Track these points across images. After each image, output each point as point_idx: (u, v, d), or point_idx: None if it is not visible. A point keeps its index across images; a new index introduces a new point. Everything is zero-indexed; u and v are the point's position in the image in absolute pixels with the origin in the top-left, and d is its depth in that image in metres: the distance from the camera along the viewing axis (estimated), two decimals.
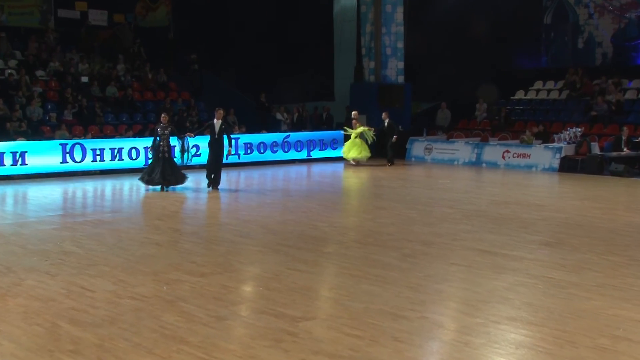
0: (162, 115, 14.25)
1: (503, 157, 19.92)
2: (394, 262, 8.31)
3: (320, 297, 7.08)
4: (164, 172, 13.83)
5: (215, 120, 13.98)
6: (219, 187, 14.17)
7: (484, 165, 20.10)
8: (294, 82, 25.71)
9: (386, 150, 19.73)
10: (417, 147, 21.65)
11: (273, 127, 22.28)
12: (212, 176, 14.11)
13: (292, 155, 20.75)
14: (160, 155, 13.86)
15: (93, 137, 18.41)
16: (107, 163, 17.58)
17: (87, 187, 15.41)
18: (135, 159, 17.84)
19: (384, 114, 19.60)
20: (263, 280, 7.55)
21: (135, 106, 21.31)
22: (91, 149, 17.36)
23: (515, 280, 7.59)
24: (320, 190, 15.69)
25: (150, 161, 14.59)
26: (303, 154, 20.87)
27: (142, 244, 9.28)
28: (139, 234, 9.99)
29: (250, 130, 21.35)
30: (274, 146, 20.28)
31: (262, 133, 21.00)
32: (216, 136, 13.92)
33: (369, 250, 8.93)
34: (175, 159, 14.15)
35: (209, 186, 14.22)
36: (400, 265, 8.20)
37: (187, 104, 22.08)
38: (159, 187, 13.95)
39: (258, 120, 22.97)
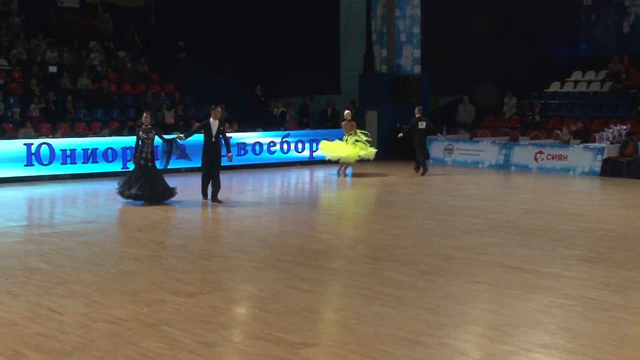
0: (144, 115, 13.59)
1: (535, 159, 19.93)
2: (409, 280, 8.32)
3: (324, 320, 7.09)
4: (147, 185, 13.23)
5: (211, 119, 13.35)
6: (218, 196, 13.53)
7: (513, 168, 20.12)
8: (294, 73, 25.78)
9: (419, 157, 18.45)
10: (436, 148, 21.71)
11: (270, 124, 22.34)
12: (210, 186, 13.49)
13: (292, 156, 20.80)
14: (143, 163, 13.31)
15: (63, 136, 18.49)
16: (79, 166, 17.65)
17: (56, 194, 15.45)
18: (111, 161, 17.92)
19: (417, 109, 18.66)
20: (259, 301, 7.56)
21: (112, 100, 21.41)
22: (60, 150, 17.43)
23: (550, 301, 7.58)
24: (324, 197, 15.69)
25: (128, 168, 14.26)
26: (305, 156, 20.92)
27: (119, 259, 9.30)
28: (116, 248, 10.02)
29: (244, 128, 21.40)
30: (271, 146, 20.34)
31: (258, 131, 21.04)
32: (213, 139, 13.26)
33: (380, 266, 8.94)
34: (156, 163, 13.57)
35: (205, 198, 13.64)
36: (416, 283, 8.21)
37: (171, 98, 22.18)
38: (141, 201, 13.35)
39: (253, 116, 23.04)
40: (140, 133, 13.38)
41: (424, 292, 7.85)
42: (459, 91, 24.99)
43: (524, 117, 22.86)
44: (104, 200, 14.45)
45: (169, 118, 20.93)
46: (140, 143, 13.34)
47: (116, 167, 17.96)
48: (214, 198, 13.51)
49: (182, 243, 10.36)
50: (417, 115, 18.39)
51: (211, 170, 13.42)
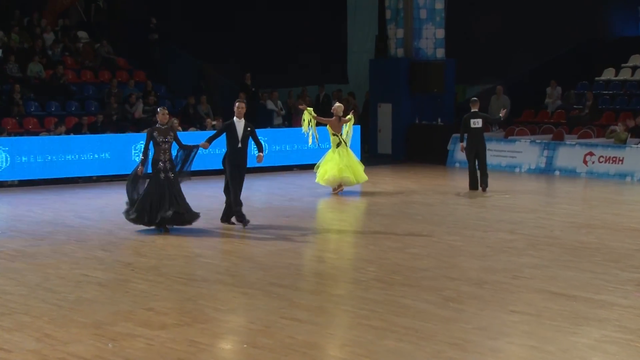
0: (160, 111, 12.37)
1: (585, 161, 19.94)
2: (431, 309, 8.32)
3: (327, 358, 7.09)
4: (166, 204, 11.97)
5: (235, 119, 12.70)
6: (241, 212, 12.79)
7: (557, 173, 20.12)
8: (292, 58, 25.81)
9: (477, 166, 16.79)
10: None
11: (262, 120, 22.38)
12: (233, 203, 12.65)
13: (288, 158, 20.82)
14: (163, 176, 12.11)
15: (9, 134, 18.52)
16: (29, 171, 17.71)
17: (1, 204, 15.44)
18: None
19: (472, 103, 17.03)
20: (248, 335, 7.56)
21: (69, 91, 21.46)
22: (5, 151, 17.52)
23: (603, 335, 7.58)
24: (327, 208, 15.70)
25: (132, 182, 12.38)
26: (300, 158, 20.95)
27: (78, 284, 9.30)
28: (74, 270, 10.02)
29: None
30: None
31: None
32: (239, 144, 12.63)
33: (395, 293, 8.95)
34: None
35: (227, 220, 12.82)
36: (439, 313, 8.21)
37: (141, 87, 22.23)
38: (154, 227, 12.20)
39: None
40: (155, 134, 12.11)
41: (449, 324, 7.85)
42: (491, 80, 25.02)
43: (571, 111, 22.87)
44: (59, 212, 14.47)
45: (139, 112, 20.98)
46: (152, 150, 12.08)
47: (75, 171, 17.97)
48: (240, 215, 12.67)
49: (154, 264, 10.36)
50: (472, 110, 16.85)
51: (234, 184, 12.62)
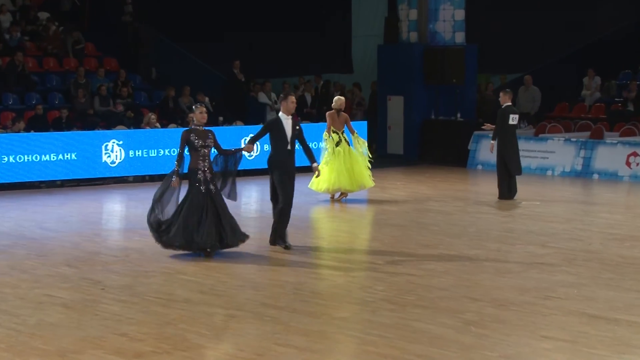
0: (196, 108, 11.78)
1: (628, 163, 19.91)
2: (450, 335, 8.29)
3: None
4: (208, 226, 11.37)
5: (281, 114, 12.20)
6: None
7: (596, 176, 20.10)
8: (287, 44, 25.79)
9: (512, 168, 16.69)
10: (487, 148, 21.54)
11: (254, 115, 22.37)
12: (278, 218, 12.24)
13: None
14: (204, 189, 11.48)
15: None
16: None
17: None
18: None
19: (505, 94, 16.62)
20: None
21: (30, 82, 21.46)
22: None
23: None
24: (329, 218, 15.65)
25: (163, 192, 11.67)
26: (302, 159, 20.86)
27: (39, 306, 9.28)
28: (35, 290, 9.99)
29: (215, 120, 21.39)
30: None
31: (237, 125, 21.04)
32: (288, 146, 12.11)
33: (408, 315, 8.93)
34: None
35: (274, 242, 12.28)
36: (459, 339, 8.19)
37: (113, 77, 22.23)
38: (196, 251, 11.60)
39: (229, 103, 23.05)
40: (193, 138, 11.53)
41: (470, 352, 7.82)
42: (519, 68, 24.98)
43: (612, 105, 22.85)
44: (18, 222, 14.45)
45: (111, 106, 20.98)
46: (187, 157, 11.59)
47: (35, 175, 17.96)
48: (283, 237, 12.24)
49: (129, 282, 10.33)
50: (503, 105, 16.55)
51: (285, 194, 12.10)
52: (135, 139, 19.01)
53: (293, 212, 12.31)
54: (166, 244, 11.57)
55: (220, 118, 21.58)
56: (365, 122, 21.37)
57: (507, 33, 24.82)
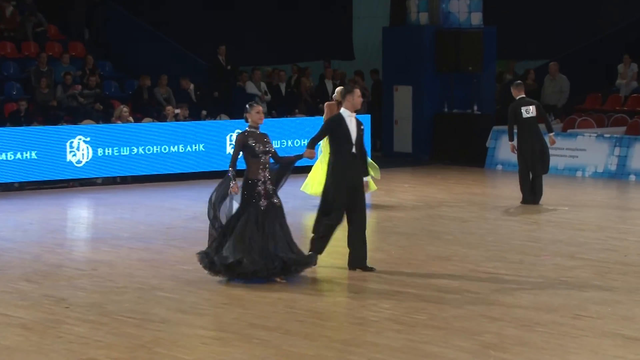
0: (251, 108, 11.29)
1: None
2: (466, 359, 8.29)
3: None
4: (271, 248, 10.94)
5: (343, 111, 11.74)
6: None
7: (632, 178, 20.09)
8: (278, 28, 25.76)
9: (534, 168, 16.68)
10: (508, 145, 21.48)
11: (241, 107, 22.29)
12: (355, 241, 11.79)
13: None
14: (264, 204, 11.02)
15: None
16: None
17: None
18: None
19: (516, 87, 16.80)
20: None
21: None
22: None
23: None
24: None
25: (222, 197, 11.25)
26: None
27: None
28: None
29: (200, 113, 21.36)
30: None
31: (222, 119, 20.97)
32: (353, 149, 11.70)
33: (419, 337, 8.88)
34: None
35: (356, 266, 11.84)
36: None
37: (79, 65, 22.17)
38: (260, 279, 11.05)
39: (213, 94, 23.00)
40: (252, 142, 11.12)
41: None
42: (544, 54, 24.95)
43: None
44: None
45: (78, 97, 20.91)
46: (244, 160, 11.15)
47: None
48: (363, 262, 11.81)
49: (97, 300, 10.27)
50: (517, 97, 16.72)
51: (355, 209, 11.71)
52: (104, 135, 18.96)
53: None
54: (221, 273, 10.96)
55: (204, 112, 21.54)
56: (369, 116, 21.32)
57: (531, 13, 24.79)
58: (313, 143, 11.79)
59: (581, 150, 20.87)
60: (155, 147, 19.23)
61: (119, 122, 19.66)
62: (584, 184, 19.91)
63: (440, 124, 23.26)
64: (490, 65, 23.36)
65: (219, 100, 22.56)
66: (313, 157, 12.02)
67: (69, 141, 18.59)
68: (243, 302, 10.16)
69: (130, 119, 19.95)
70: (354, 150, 11.58)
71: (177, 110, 20.56)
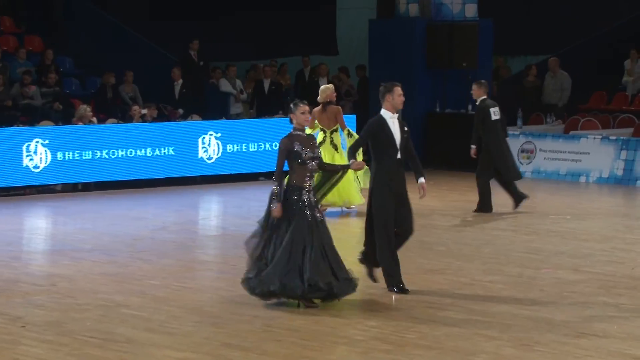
0: (297, 107, 10.90)
1: None
2: None
3: None
4: (314, 265, 10.54)
5: (384, 112, 11.46)
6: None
7: None
8: (256, 20, 25.73)
9: (506, 174, 16.85)
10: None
11: (214, 107, 22.32)
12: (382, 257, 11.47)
13: (252, 163, 20.82)
14: (309, 216, 10.72)
15: None
16: None
17: None
18: None
19: (478, 86, 16.98)
20: None
21: None
22: None
23: None
24: None
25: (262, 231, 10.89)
26: (269, 163, 20.85)
27: None
28: None
29: (170, 113, 21.32)
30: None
31: (194, 120, 20.94)
32: (397, 155, 11.39)
33: (408, 357, 8.88)
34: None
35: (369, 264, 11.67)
36: None
37: (36, 61, 22.10)
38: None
39: (185, 93, 22.96)
40: (299, 147, 10.83)
41: None
42: (543, 49, 25.00)
43: None
44: None
45: (35, 97, 20.84)
46: (288, 168, 10.88)
47: None
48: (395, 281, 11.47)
49: (56, 318, 10.23)
50: (480, 98, 16.93)
51: (400, 219, 11.49)
52: (64, 137, 18.88)
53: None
54: (261, 296, 10.67)
55: (180, 111, 21.49)
56: (354, 116, 21.34)
57: (529, 4, 24.84)
58: (354, 151, 11.59)
59: (585, 153, 20.89)
60: (120, 150, 19.17)
61: (81, 123, 19.57)
62: (588, 190, 19.95)
63: (432, 124, 23.27)
64: (486, 61, 23.32)
65: (189, 99, 22.48)
66: (362, 168, 11.86)
67: (26, 144, 18.54)
68: (216, 320, 10.15)
69: (93, 119, 19.91)
70: (399, 155, 11.35)
71: (144, 111, 20.50)
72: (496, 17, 23.63)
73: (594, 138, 21.02)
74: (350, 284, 10.80)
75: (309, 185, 10.79)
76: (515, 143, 21.58)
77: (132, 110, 20.62)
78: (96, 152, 19.01)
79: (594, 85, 23.87)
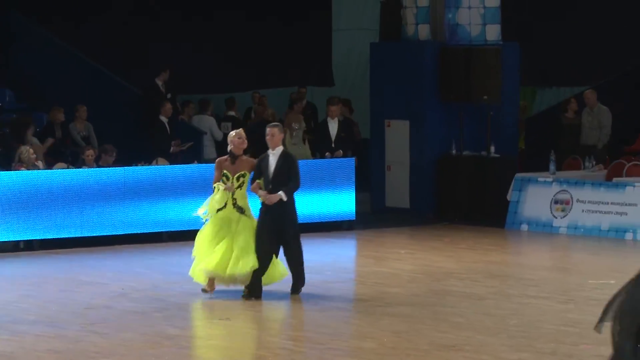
0: None
1: None
2: None
3: None
4: None
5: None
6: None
7: None
8: (238, 43, 25.89)
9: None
10: (536, 198, 21.94)
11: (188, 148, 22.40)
12: None
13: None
14: None
15: None
16: None
17: None
18: None
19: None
20: None
21: None
22: None
23: None
24: (299, 303, 15.60)
25: None
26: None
27: None
28: None
29: (130, 156, 21.29)
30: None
31: (160, 164, 20.95)
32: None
33: None
34: None
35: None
36: None
37: None
38: None
39: (148, 131, 23.00)
40: None
41: None
42: (579, 80, 25.13)
43: None
44: None
45: None
46: None
47: None
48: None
49: None
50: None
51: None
52: (3, 186, 18.89)
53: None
54: None
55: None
56: (353, 159, 21.35)
57: (563, 25, 24.98)
58: None
59: (631, 205, 20.90)
60: (70, 202, 19.12)
61: (23, 168, 19.55)
62: (635, 249, 20.01)
63: (447, 170, 23.29)
64: (511, 94, 23.39)
65: (153, 140, 22.43)
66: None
67: None
68: None
69: (38, 164, 19.87)
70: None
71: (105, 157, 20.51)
72: (523, 41, 23.73)
73: None
74: None
75: None
76: (547, 192, 21.71)
77: (85, 153, 20.57)
78: (41, 204, 18.95)
79: None
